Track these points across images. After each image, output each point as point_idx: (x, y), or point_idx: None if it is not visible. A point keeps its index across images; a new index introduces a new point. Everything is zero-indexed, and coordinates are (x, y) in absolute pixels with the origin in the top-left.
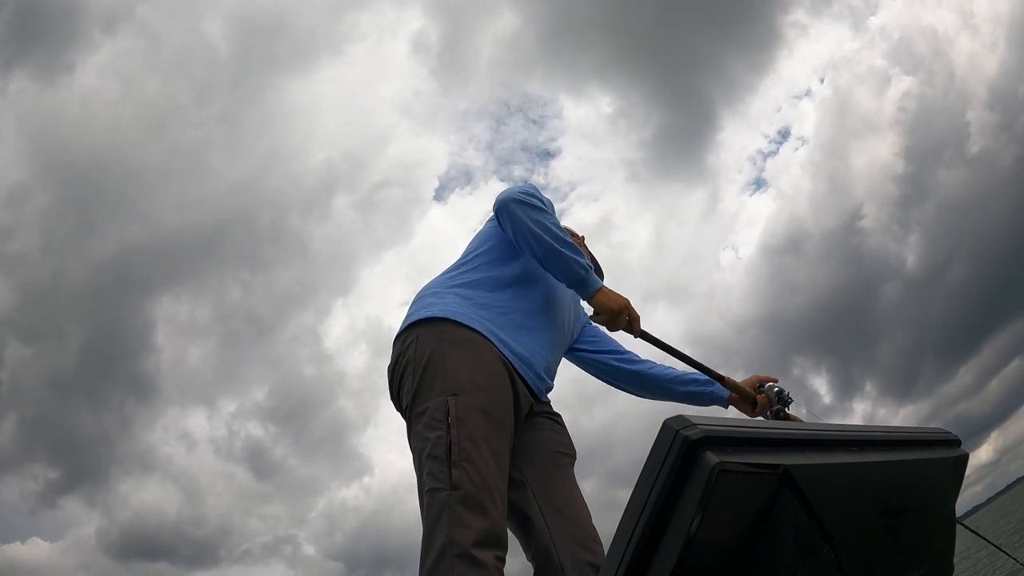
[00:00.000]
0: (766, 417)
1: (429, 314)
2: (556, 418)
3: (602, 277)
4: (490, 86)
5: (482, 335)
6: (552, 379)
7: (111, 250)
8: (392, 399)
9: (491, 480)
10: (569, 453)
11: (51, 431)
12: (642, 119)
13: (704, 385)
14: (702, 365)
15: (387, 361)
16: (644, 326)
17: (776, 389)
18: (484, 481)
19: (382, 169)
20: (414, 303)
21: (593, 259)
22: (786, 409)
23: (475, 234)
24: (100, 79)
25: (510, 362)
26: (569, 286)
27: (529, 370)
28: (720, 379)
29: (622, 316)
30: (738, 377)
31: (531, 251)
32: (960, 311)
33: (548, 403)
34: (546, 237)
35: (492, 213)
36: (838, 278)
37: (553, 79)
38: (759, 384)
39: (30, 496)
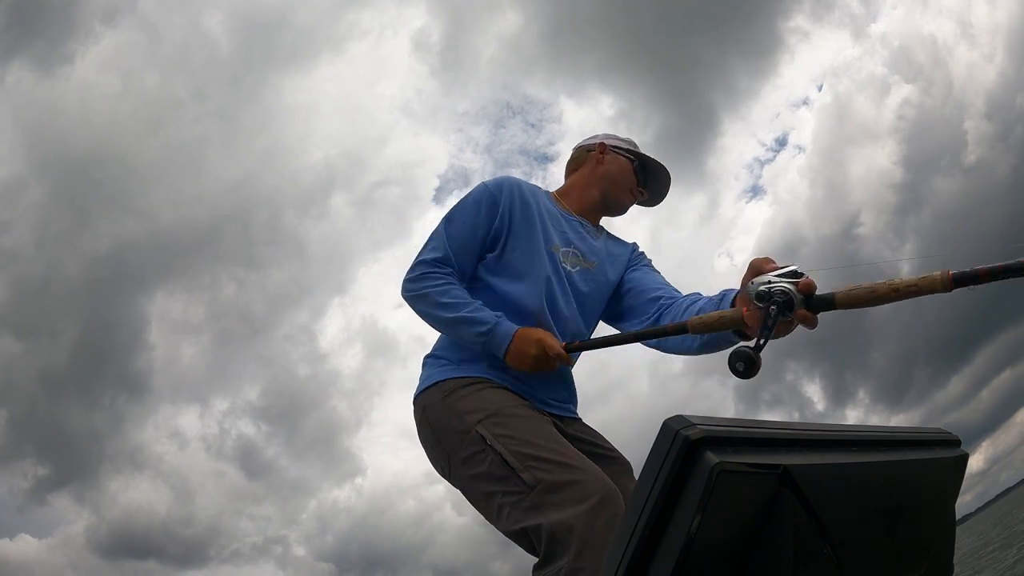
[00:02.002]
0: (763, 318)
1: (427, 384)
2: (591, 437)
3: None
4: (491, 87)
5: (478, 377)
6: (567, 392)
7: (106, 245)
8: (442, 476)
9: (562, 459)
10: (617, 468)
11: (41, 427)
12: (643, 121)
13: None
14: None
15: (382, 361)
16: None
17: (765, 286)
18: (555, 466)
19: (380, 168)
20: (421, 370)
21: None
22: (790, 312)
23: None
24: (99, 72)
25: (510, 388)
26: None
27: (532, 393)
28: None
29: (541, 366)
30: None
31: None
32: (953, 320)
33: (576, 419)
34: (436, 325)
35: None
36: (833, 285)
37: (554, 80)
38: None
39: (19, 493)
